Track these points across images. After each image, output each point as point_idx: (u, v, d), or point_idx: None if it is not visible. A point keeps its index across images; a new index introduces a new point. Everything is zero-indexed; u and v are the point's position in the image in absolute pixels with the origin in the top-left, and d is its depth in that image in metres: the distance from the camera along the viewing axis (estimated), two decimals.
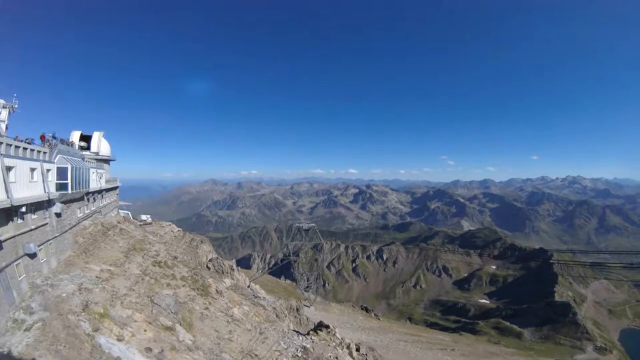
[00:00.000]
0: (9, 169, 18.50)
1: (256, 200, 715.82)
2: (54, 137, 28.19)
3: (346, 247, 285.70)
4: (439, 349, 70.42)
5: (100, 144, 47.15)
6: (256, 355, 22.80)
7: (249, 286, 57.75)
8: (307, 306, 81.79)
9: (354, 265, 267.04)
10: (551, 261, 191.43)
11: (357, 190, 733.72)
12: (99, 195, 41.06)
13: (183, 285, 28.92)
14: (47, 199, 23.31)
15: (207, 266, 51.40)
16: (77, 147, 38.73)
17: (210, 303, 28.20)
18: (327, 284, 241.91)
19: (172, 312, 22.93)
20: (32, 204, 21.22)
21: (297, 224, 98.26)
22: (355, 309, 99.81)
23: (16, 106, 25.59)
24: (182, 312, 23.89)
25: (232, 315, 28.05)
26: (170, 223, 61.58)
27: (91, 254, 28.81)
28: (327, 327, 31.56)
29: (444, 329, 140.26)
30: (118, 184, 52.00)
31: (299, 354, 24.81)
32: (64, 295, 19.10)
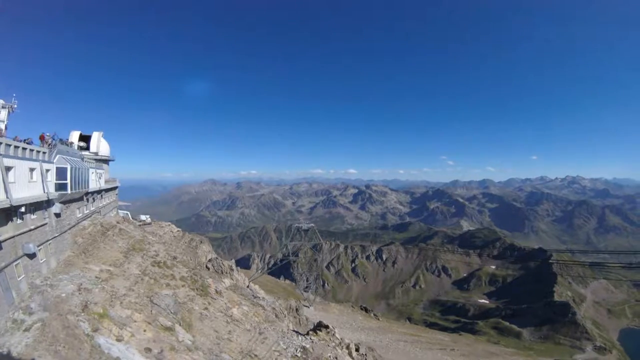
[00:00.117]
0: (8, 169, 18.50)
1: (255, 200, 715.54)
2: (53, 138, 28.18)
3: (345, 247, 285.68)
4: (439, 349, 70.44)
5: (100, 144, 47.09)
6: (256, 355, 22.80)
7: (248, 286, 57.74)
8: (306, 306, 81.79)
9: (353, 265, 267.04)
10: (550, 261, 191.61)
11: (356, 191, 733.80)
12: (98, 196, 41.02)
13: (182, 286, 28.90)
14: (46, 199, 23.30)
15: (206, 266, 51.35)
16: (76, 147, 38.69)
17: (209, 303, 28.19)
18: (326, 284, 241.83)
19: (171, 312, 22.93)
20: (31, 204, 21.20)
21: (297, 224, 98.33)
22: (355, 309, 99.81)
23: (15, 106, 25.59)
24: (181, 312, 23.88)
25: (231, 316, 28.05)
26: (169, 223, 61.52)
27: (90, 254, 28.79)
28: (327, 327, 31.55)
29: (444, 329, 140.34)
30: (117, 184, 51.97)
31: (299, 354, 24.82)
32: (63, 295, 19.10)
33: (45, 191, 23.39)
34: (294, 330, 34.58)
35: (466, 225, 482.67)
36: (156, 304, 22.74)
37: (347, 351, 30.00)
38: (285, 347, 25.55)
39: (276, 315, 37.50)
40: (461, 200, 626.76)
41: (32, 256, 20.61)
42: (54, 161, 26.18)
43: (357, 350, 32.30)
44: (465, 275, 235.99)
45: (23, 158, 20.95)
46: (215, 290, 32.49)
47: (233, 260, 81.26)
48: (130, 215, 55.68)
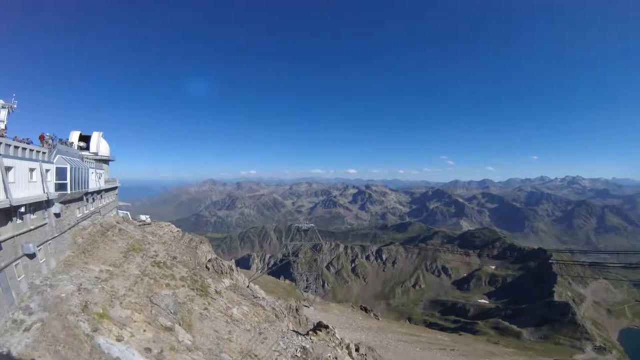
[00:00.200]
0: (8, 169, 18.51)
1: (255, 200, 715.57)
2: (52, 138, 28.17)
3: (345, 248, 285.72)
4: (439, 349, 70.45)
5: (100, 144, 47.08)
6: (255, 355, 22.80)
7: (248, 286, 57.74)
8: (306, 306, 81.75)
9: (353, 265, 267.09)
10: (550, 261, 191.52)
11: (356, 191, 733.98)
12: (98, 196, 41.02)
13: (182, 286, 28.90)
14: (46, 199, 23.31)
15: (206, 266, 51.31)
16: (76, 147, 38.69)
17: (209, 303, 28.19)
18: (326, 284, 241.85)
19: (171, 313, 22.94)
20: (31, 204, 21.21)
21: (296, 224, 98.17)
22: (355, 309, 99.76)
23: (15, 106, 25.58)
24: (181, 313, 23.88)
25: (231, 316, 28.05)
26: (169, 223, 61.48)
27: (90, 254, 28.79)
28: (327, 327, 31.54)
29: (443, 329, 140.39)
30: (117, 184, 51.96)
31: (299, 354, 24.81)
32: (63, 295, 19.10)
33: (45, 191, 23.40)
34: (293, 331, 34.57)
35: (466, 225, 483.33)
36: (156, 304, 22.74)
37: (347, 351, 29.99)
38: (285, 347, 25.55)
39: (276, 316, 37.49)
40: (461, 200, 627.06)
41: (31, 256, 20.61)
42: (54, 161, 26.18)
43: (357, 350, 32.31)
44: (465, 275, 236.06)
45: (23, 158, 20.96)
46: (215, 290, 32.48)
47: (233, 261, 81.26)
48: (130, 216, 55.62)
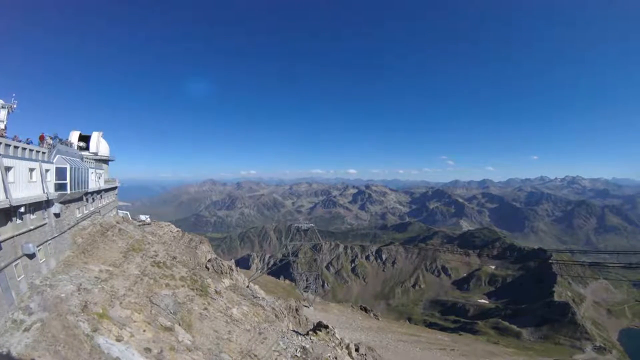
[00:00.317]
0: (7, 169, 18.51)
1: (255, 200, 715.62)
2: (52, 138, 28.15)
3: (345, 248, 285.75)
4: (438, 349, 70.46)
5: (99, 144, 47.10)
6: (255, 355, 22.80)
7: (248, 286, 57.72)
8: (306, 306, 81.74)
9: (353, 265, 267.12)
10: (550, 261, 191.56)
11: (356, 191, 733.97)
12: (98, 196, 41.02)
13: (182, 286, 28.90)
14: (46, 199, 23.30)
15: (206, 266, 51.29)
16: (75, 147, 38.69)
17: (209, 303, 28.19)
18: (326, 284, 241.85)
19: (171, 313, 22.95)
20: (31, 204, 21.21)
21: (296, 224, 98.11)
22: (355, 309, 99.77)
23: (15, 106, 25.58)
24: (181, 313, 23.88)
25: (231, 316, 28.05)
26: (169, 223, 61.47)
27: (90, 254, 28.79)
28: (326, 327, 31.55)
29: (443, 329, 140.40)
30: (117, 184, 51.96)
31: (298, 354, 24.82)
32: (63, 295, 19.10)
33: (45, 191, 23.40)
34: (293, 331, 34.57)
35: (466, 225, 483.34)
36: (156, 304, 22.75)
37: (346, 351, 30.00)
38: (285, 347, 25.57)
39: (276, 316, 37.48)
40: (461, 200, 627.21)
41: (31, 256, 20.61)
42: (54, 161, 26.18)
43: (356, 350, 32.32)
44: (465, 275, 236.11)
45: (23, 158, 20.96)
46: (215, 290, 32.49)
47: (233, 261, 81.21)
48: (129, 216, 55.62)
